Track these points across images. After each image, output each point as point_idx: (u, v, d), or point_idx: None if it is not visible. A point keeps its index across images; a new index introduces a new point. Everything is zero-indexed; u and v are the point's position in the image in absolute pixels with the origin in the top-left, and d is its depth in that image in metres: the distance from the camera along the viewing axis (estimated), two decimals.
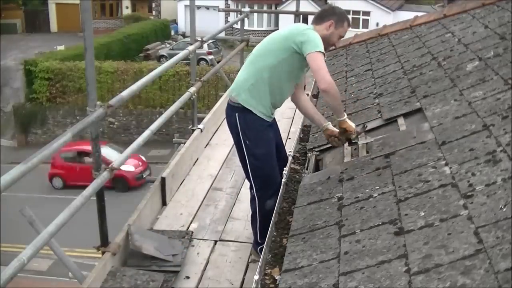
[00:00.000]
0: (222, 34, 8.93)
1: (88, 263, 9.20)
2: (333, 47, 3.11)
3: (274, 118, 2.99)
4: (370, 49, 4.97)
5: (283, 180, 3.06)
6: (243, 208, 3.55)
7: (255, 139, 2.84)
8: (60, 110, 21.83)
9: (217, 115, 5.94)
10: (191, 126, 5.19)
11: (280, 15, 30.14)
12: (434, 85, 3.15)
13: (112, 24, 32.60)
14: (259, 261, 2.35)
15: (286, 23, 28.04)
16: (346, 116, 2.73)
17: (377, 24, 22.98)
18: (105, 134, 19.54)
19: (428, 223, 1.79)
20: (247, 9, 8.10)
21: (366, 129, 2.95)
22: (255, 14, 30.72)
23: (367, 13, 30.50)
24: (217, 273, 2.98)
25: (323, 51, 2.63)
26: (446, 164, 2.14)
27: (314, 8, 27.90)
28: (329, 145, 3.12)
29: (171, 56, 15.60)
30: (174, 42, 28.80)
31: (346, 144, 2.97)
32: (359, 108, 3.45)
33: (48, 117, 21.95)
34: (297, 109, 3.14)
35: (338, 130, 2.77)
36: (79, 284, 2.52)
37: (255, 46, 3.08)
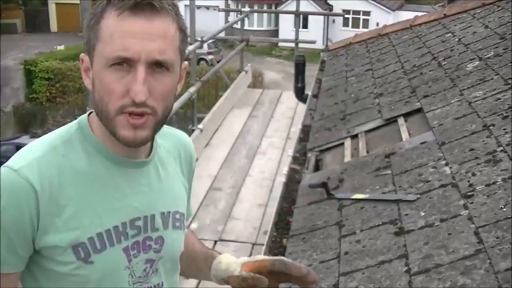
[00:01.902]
0: (222, 34, 8.94)
1: None
2: None
3: None
4: (370, 49, 4.97)
5: (283, 180, 3.06)
6: (243, 208, 3.55)
7: None
8: (60, 110, 21.83)
9: (217, 115, 5.95)
10: (191, 126, 5.19)
11: (280, 15, 30.14)
12: (434, 85, 3.15)
13: None
14: None
15: (286, 23, 28.06)
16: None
17: (377, 24, 22.99)
18: None
19: (428, 223, 1.79)
20: (247, 9, 8.11)
21: None
22: (255, 14, 30.71)
23: (367, 13, 30.50)
24: None
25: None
26: (447, 164, 2.14)
27: (314, 8, 27.90)
28: (329, 145, 3.12)
29: None
30: None
31: (347, 143, 2.96)
32: (359, 108, 3.45)
33: (48, 117, 21.94)
34: (297, 109, 3.14)
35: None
36: None
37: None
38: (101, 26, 1.04)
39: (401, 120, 2.94)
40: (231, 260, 1.30)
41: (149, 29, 1.01)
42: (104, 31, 1.03)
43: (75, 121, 1.16)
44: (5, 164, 1.06)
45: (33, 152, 1.09)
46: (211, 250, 1.40)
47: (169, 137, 1.20)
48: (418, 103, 2.99)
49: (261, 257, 1.27)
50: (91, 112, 1.14)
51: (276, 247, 2.58)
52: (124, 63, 1.01)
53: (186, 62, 1.15)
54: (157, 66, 1.03)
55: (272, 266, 1.22)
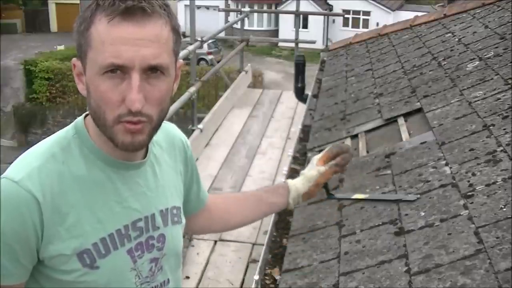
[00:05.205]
0: (222, 34, 8.94)
1: None
2: None
3: None
4: (370, 49, 4.97)
5: (283, 180, 3.06)
6: None
7: None
8: (60, 110, 21.86)
9: (217, 115, 5.96)
10: (191, 126, 5.19)
11: (280, 15, 30.15)
12: (434, 85, 3.15)
13: None
14: (259, 261, 2.35)
15: (286, 23, 28.05)
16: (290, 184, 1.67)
17: (377, 24, 23.00)
18: None
19: (428, 223, 1.79)
20: (247, 9, 8.11)
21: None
22: (255, 14, 30.72)
23: (367, 13, 30.51)
24: (217, 273, 2.98)
25: None
26: (447, 164, 2.14)
27: (314, 8, 27.90)
28: (329, 145, 3.11)
29: None
30: None
31: (347, 143, 2.96)
32: (359, 108, 3.45)
33: (48, 117, 21.96)
34: (297, 109, 3.14)
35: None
36: None
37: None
38: (92, 32, 1.01)
39: (401, 120, 2.94)
40: (305, 175, 1.67)
41: (141, 34, 0.99)
42: (95, 38, 1.00)
43: (71, 125, 1.15)
44: (4, 175, 1.05)
45: (32, 161, 1.07)
46: (263, 188, 1.70)
47: (160, 131, 1.19)
48: (418, 103, 2.99)
49: (319, 155, 1.67)
50: (87, 115, 1.13)
51: (276, 247, 2.57)
52: (118, 70, 1.00)
53: (181, 61, 1.14)
54: (151, 71, 1.01)
55: (332, 152, 1.66)
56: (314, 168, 1.66)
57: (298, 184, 1.65)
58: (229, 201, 1.62)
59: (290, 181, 1.67)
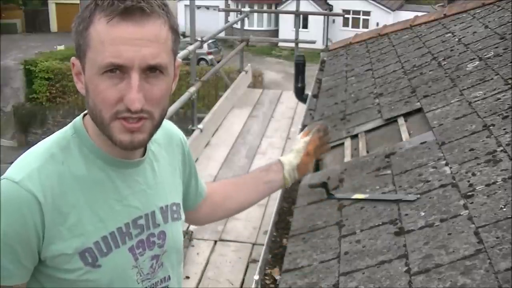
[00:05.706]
0: (222, 34, 8.94)
1: None
2: None
3: None
4: (370, 49, 4.97)
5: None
6: None
7: None
8: (60, 110, 21.86)
9: (217, 115, 5.96)
10: (191, 126, 5.20)
11: (280, 15, 30.16)
12: (435, 85, 3.15)
13: None
14: (259, 261, 2.35)
15: (286, 23, 28.05)
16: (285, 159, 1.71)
17: (377, 24, 23.01)
18: None
19: (428, 223, 1.79)
20: (247, 9, 8.11)
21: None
22: (255, 14, 30.72)
23: (367, 13, 30.52)
24: (217, 273, 2.98)
25: None
26: (447, 164, 2.14)
27: (314, 8, 27.90)
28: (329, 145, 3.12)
29: None
30: None
31: (347, 143, 2.97)
32: (359, 108, 3.45)
33: (48, 117, 21.96)
34: (297, 109, 3.14)
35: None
36: None
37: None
38: (91, 32, 1.01)
39: (401, 120, 2.94)
40: (293, 149, 1.72)
41: (141, 34, 0.99)
42: (94, 38, 1.00)
43: (69, 125, 1.15)
44: (4, 176, 1.04)
45: (32, 161, 1.07)
46: (258, 169, 1.72)
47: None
48: (418, 103, 2.99)
49: (300, 134, 1.79)
50: (85, 114, 1.13)
51: (276, 247, 2.57)
52: (117, 70, 1.00)
53: (179, 60, 1.14)
54: (150, 70, 1.02)
55: (311, 127, 1.79)
56: (300, 141, 1.74)
57: (290, 158, 1.71)
58: (228, 187, 1.63)
59: (282, 157, 1.72)
